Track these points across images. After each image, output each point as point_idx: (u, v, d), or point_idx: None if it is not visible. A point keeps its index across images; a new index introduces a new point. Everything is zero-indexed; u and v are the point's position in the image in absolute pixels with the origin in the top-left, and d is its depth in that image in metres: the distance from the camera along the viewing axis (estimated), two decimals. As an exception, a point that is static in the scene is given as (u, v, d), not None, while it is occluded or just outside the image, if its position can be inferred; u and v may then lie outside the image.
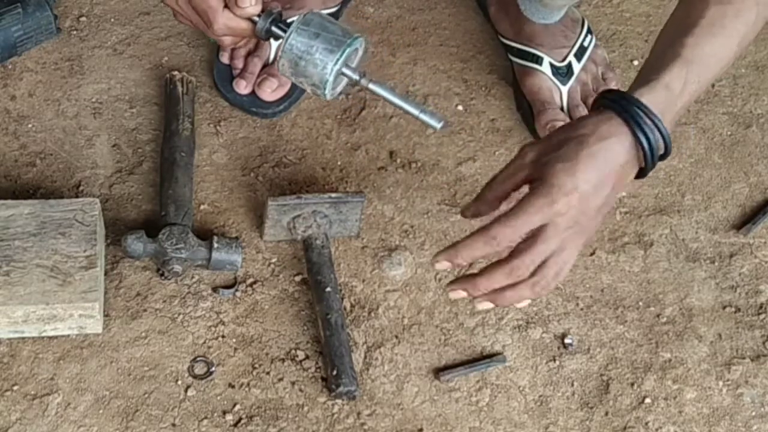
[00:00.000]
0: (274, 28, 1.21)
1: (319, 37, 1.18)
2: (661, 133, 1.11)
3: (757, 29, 1.18)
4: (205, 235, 1.44)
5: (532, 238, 1.09)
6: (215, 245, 1.41)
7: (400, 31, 1.71)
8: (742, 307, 1.48)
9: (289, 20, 1.26)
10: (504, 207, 1.13)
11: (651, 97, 1.11)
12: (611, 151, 1.10)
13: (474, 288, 1.13)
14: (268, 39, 1.23)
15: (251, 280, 1.44)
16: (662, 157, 1.13)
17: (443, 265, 1.14)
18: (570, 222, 1.09)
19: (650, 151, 1.11)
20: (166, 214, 1.43)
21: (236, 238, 1.44)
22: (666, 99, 1.12)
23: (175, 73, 1.57)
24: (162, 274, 1.42)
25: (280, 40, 1.60)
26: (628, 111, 1.10)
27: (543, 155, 1.10)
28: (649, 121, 1.10)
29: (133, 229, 1.43)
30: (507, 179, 1.13)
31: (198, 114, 1.58)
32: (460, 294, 1.15)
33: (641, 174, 1.14)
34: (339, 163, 1.56)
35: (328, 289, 1.39)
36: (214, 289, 1.42)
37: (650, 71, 1.13)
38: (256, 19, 1.21)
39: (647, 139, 1.10)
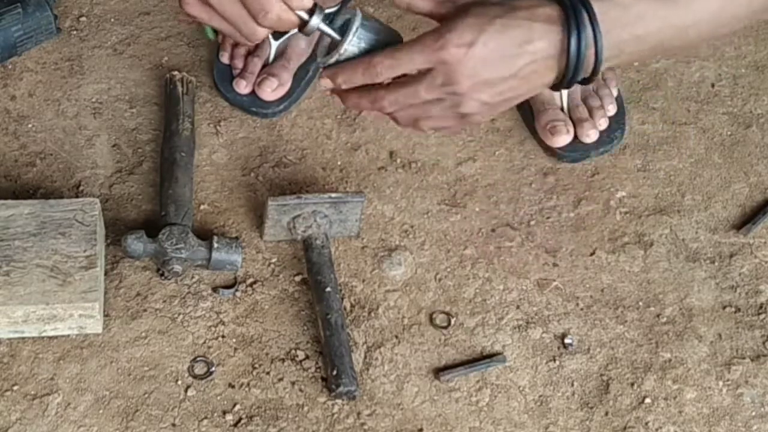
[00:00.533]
0: (326, 29, 1.14)
1: (373, 44, 1.13)
2: (596, 46, 0.99)
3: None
4: (205, 235, 1.44)
5: (407, 78, 1.04)
6: (215, 245, 1.41)
7: (400, 31, 1.70)
8: (742, 307, 1.48)
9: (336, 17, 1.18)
10: None
11: (601, 5, 0.99)
12: (533, 36, 1.00)
13: (336, 75, 1.09)
14: (309, 34, 1.16)
15: (251, 280, 1.44)
16: (586, 81, 1.03)
17: (325, 82, 1.11)
18: (449, 80, 1.02)
19: (576, 59, 1.00)
20: (166, 214, 1.43)
21: (236, 238, 1.44)
22: (616, 18, 1.00)
23: (175, 73, 1.57)
24: (162, 275, 1.42)
25: (280, 39, 1.61)
26: (574, 7, 0.99)
27: (467, 5, 1.02)
28: (589, 28, 0.99)
29: (133, 229, 1.43)
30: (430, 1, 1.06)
31: (198, 114, 1.58)
32: (327, 83, 1.11)
33: (556, 86, 1.04)
34: (339, 163, 1.56)
35: (328, 289, 1.39)
36: (214, 289, 1.42)
37: None
38: (305, 15, 1.14)
39: (578, 44, 0.99)
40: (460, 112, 1.07)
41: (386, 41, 1.13)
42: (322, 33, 1.14)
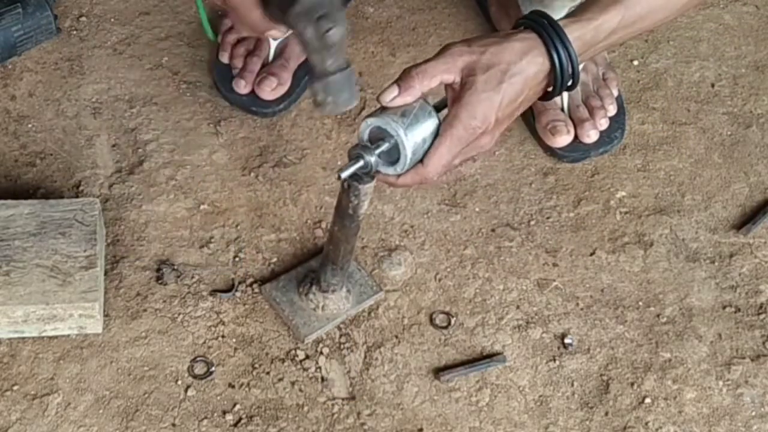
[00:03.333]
0: (383, 170, 1.19)
1: (418, 134, 1.17)
2: (572, 66, 1.17)
3: None
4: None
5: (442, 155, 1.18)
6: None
7: (400, 31, 1.71)
8: (742, 307, 1.48)
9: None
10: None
11: (580, 34, 1.17)
12: (530, 78, 1.16)
13: (394, 185, 1.20)
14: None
15: (251, 280, 1.44)
16: (569, 88, 1.21)
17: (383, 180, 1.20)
18: (479, 145, 1.19)
19: (561, 80, 1.18)
20: None
21: None
22: (592, 39, 1.18)
23: None
24: (160, 279, 1.42)
25: (279, 39, 1.61)
26: (555, 46, 1.16)
27: (471, 70, 1.15)
28: (566, 58, 1.16)
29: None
30: (435, 75, 1.16)
31: (198, 114, 1.58)
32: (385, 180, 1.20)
33: (546, 97, 1.22)
34: (339, 162, 1.56)
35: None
36: (212, 293, 1.42)
37: (590, 8, 1.19)
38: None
39: (561, 69, 1.17)
40: (480, 149, 1.20)
41: (425, 118, 1.17)
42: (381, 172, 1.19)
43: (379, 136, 1.17)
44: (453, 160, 1.18)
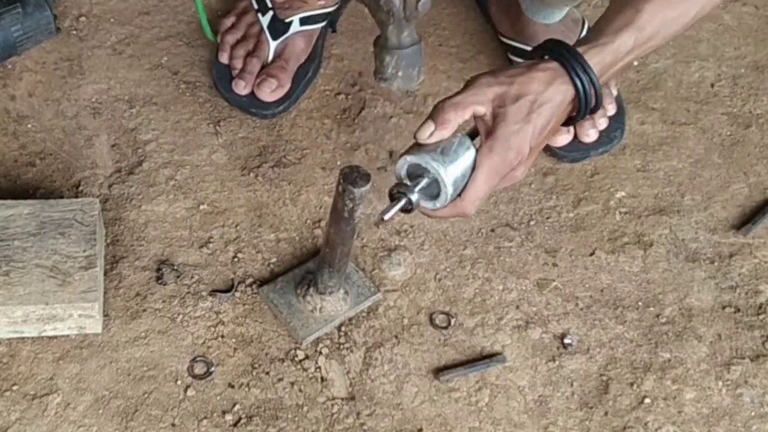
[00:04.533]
0: (424, 204, 1.18)
1: (457, 167, 1.17)
2: (595, 90, 1.19)
3: (715, 3, 1.25)
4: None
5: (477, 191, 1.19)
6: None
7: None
8: (742, 308, 1.48)
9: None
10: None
11: (599, 59, 1.19)
12: (557, 106, 1.18)
13: (434, 216, 1.20)
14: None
15: (250, 279, 1.44)
16: (592, 111, 1.22)
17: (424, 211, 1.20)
18: (514, 177, 1.21)
19: (585, 105, 1.19)
20: None
21: None
22: (611, 62, 1.20)
23: None
24: (159, 279, 1.42)
25: (278, 40, 1.61)
26: (577, 73, 1.18)
27: (501, 101, 1.17)
28: (589, 84, 1.18)
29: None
30: (467, 107, 1.17)
31: (197, 114, 1.58)
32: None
33: (569, 122, 1.23)
34: (339, 163, 1.56)
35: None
36: (212, 293, 1.42)
37: (605, 31, 1.21)
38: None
39: (585, 95, 1.19)
40: (515, 180, 1.22)
41: (463, 152, 1.16)
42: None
43: (417, 173, 1.16)
44: (489, 192, 1.18)
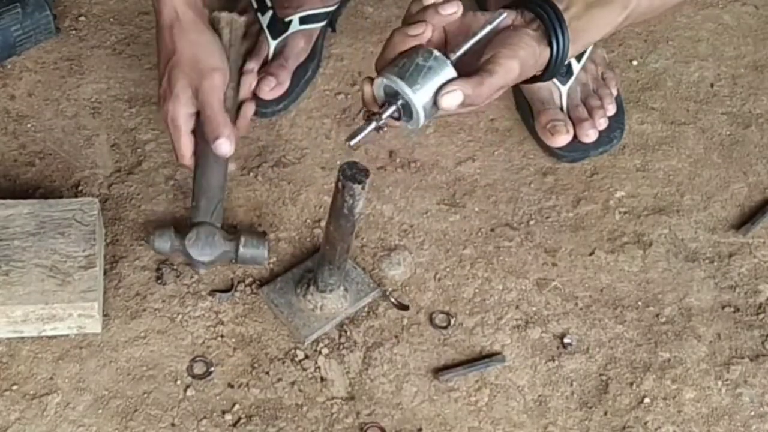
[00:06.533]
0: (396, 123, 1.16)
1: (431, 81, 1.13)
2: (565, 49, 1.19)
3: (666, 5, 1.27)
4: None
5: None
6: (242, 242, 1.39)
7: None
8: (741, 307, 1.48)
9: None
10: None
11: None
12: (532, 59, 1.16)
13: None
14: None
15: (250, 279, 1.44)
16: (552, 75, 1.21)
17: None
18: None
19: (556, 63, 1.19)
20: (196, 207, 1.41)
21: (263, 233, 1.43)
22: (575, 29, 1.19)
23: (221, 15, 1.47)
24: (159, 279, 1.42)
25: (278, 39, 1.61)
26: (554, 29, 1.17)
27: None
28: (563, 39, 1.17)
29: (161, 227, 1.42)
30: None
31: (197, 114, 1.58)
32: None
33: (533, 80, 1.21)
34: (338, 162, 1.56)
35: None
36: (211, 293, 1.42)
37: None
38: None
39: (558, 53, 1.18)
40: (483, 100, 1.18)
41: (434, 70, 1.13)
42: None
43: (391, 93, 1.13)
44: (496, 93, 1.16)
